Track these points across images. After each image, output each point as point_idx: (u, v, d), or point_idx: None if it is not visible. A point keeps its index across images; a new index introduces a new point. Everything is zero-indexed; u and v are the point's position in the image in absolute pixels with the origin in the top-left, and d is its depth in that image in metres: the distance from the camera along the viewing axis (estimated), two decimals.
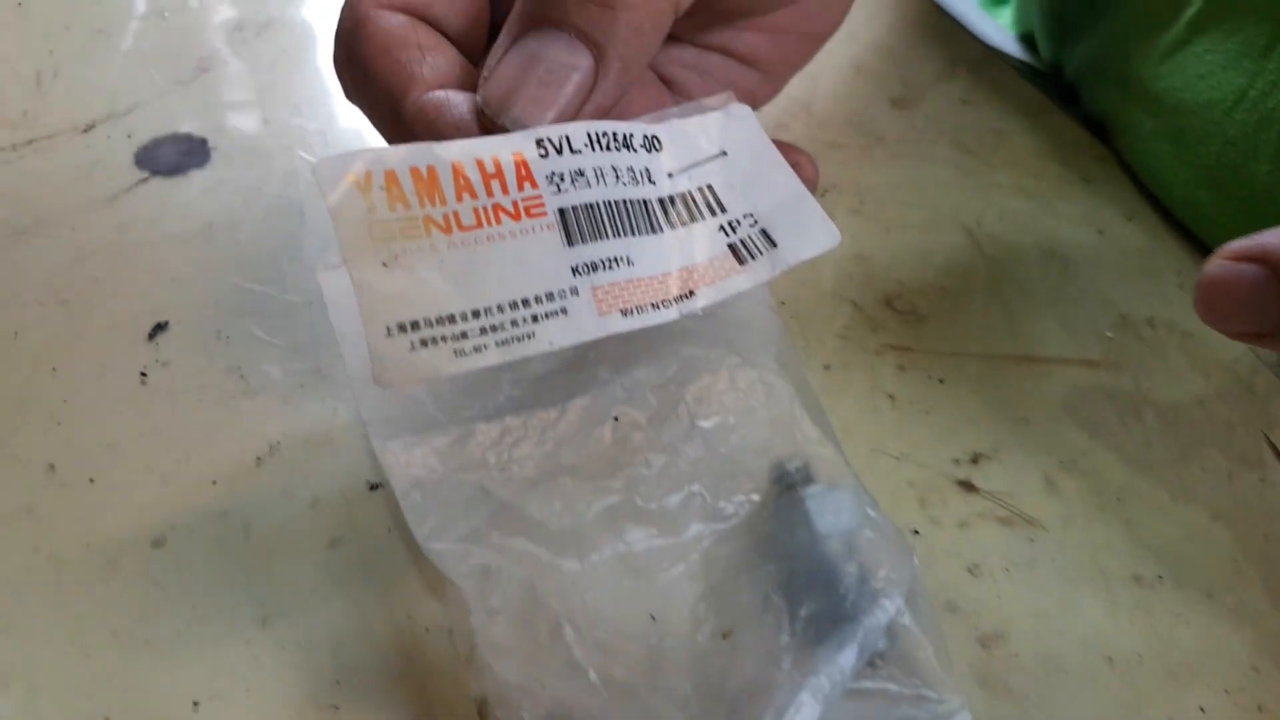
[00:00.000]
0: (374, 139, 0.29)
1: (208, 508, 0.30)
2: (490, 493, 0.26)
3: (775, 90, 0.39)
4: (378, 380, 0.22)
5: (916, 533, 0.32)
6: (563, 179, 0.25)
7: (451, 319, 0.23)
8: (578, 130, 0.26)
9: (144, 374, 0.32)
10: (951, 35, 0.51)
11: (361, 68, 0.28)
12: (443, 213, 0.24)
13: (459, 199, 0.24)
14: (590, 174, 0.25)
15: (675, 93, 0.36)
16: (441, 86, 0.27)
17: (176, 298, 0.34)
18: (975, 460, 0.33)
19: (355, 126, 0.40)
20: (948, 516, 0.32)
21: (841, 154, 0.44)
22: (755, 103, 0.39)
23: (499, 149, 0.25)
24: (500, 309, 0.24)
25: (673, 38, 0.35)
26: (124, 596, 0.28)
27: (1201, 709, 0.29)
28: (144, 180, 0.38)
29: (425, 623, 0.28)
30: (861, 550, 0.27)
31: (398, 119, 0.27)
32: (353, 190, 0.23)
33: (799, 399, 0.29)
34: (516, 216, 0.24)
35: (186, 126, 0.40)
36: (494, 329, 0.23)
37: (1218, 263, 0.27)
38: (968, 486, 0.33)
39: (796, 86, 0.43)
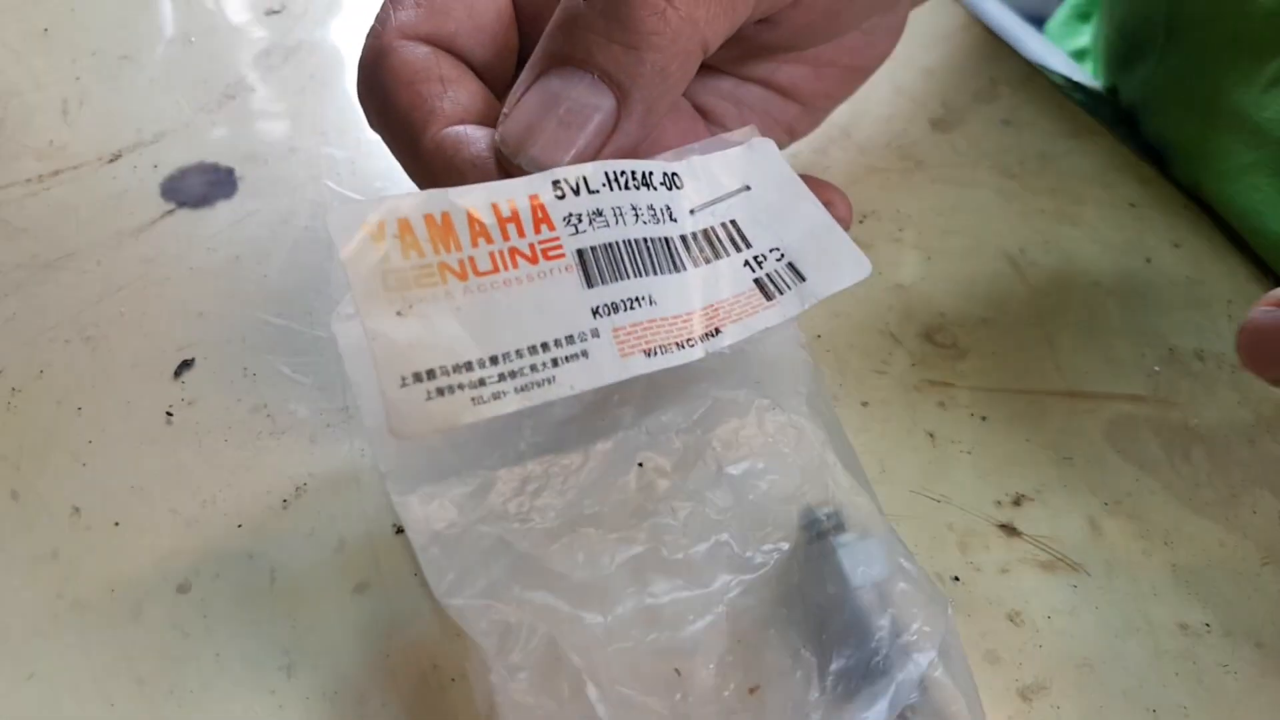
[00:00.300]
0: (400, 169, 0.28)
1: (233, 551, 0.29)
2: (510, 545, 0.25)
3: (815, 123, 0.39)
4: (393, 432, 0.21)
5: (956, 579, 0.31)
6: (580, 220, 0.25)
7: (469, 366, 0.23)
8: (595, 170, 0.25)
9: (170, 413, 0.32)
10: (993, 53, 0.50)
11: (382, 99, 0.27)
12: (458, 259, 0.23)
13: (474, 244, 0.23)
14: (609, 214, 0.25)
15: (711, 123, 0.36)
16: (462, 121, 0.26)
17: (203, 334, 0.34)
18: (1018, 502, 0.32)
19: (384, 154, 0.40)
20: (989, 562, 0.31)
21: (880, 179, 0.43)
22: (794, 135, 0.38)
23: (514, 192, 0.24)
24: (519, 354, 0.23)
25: (710, 68, 0.34)
26: (148, 643, 0.27)
27: None
28: (170, 212, 0.37)
29: (451, 672, 0.27)
30: (895, 602, 0.26)
31: (416, 153, 0.26)
32: (366, 240, 0.22)
33: (830, 443, 0.28)
34: (534, 260, 0.24)
35: (213, 156, 0.40)
36: (513, 375, 0.23)
37: (1262, 309, 0.26)
38: (1010, 530, 0.32)
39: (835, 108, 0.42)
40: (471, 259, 0.23)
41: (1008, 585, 0.31)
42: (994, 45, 0.51)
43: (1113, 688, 0.29)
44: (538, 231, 0.24)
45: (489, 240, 0.24)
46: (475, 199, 0.24)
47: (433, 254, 0.23)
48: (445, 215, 0.23)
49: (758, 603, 0.26)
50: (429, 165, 0.26)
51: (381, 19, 0.28)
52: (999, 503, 0.32)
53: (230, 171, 0.39)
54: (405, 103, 0.27)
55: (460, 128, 0.26)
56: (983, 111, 0.47)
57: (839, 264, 0.27)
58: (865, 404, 0.35)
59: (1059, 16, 0.65)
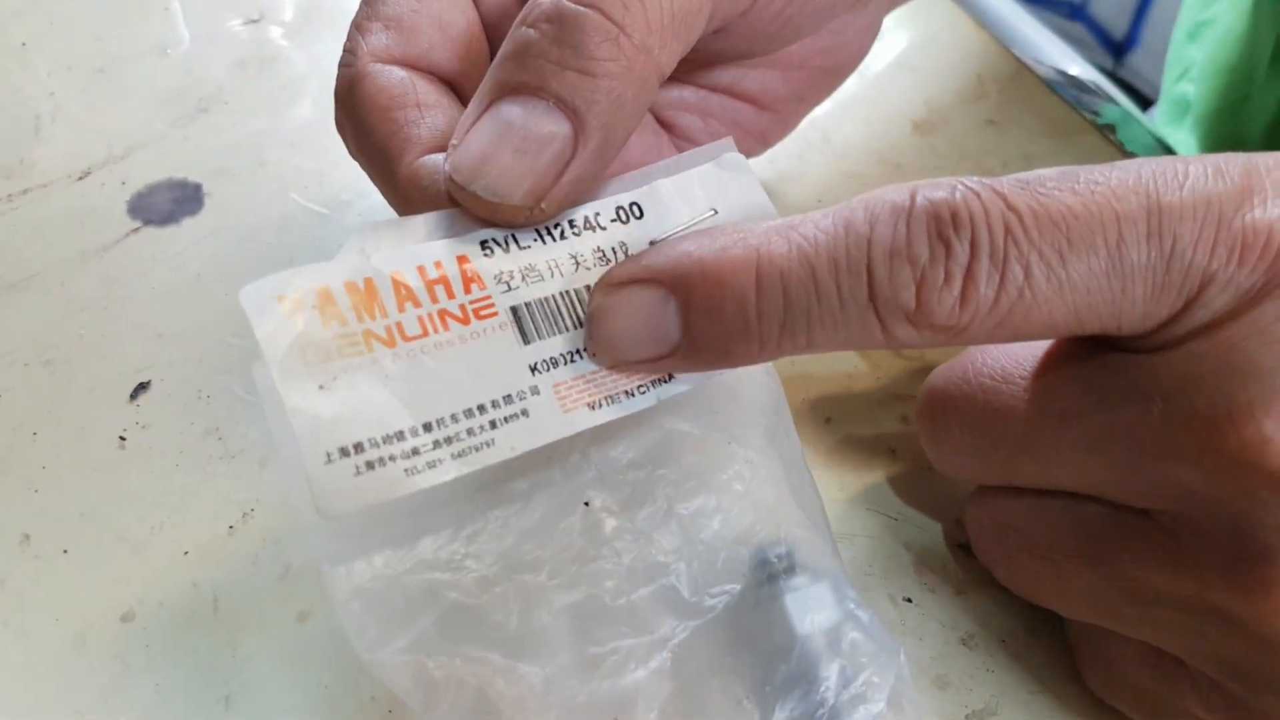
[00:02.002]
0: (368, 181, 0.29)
1: (178, 579, 0.29)
2: (440, 595, 0.24)
3: (788, 128, 0.38)
4: (320, 512, 0.21)
5: (909, 600, 0.30)
6: (512, 277, 0.24)
7: (400, 435, 0.22)
8: (524, 230, 0.25)
9: (123, 437, 0.32)
10: (982, 49, 0.49)
11: (359, 128, 0.27)
12: (385, 325, 0.23)
13: (401, 309, 0.23)
14: (543, 268, 0.25)
15: (676, 137, 0.35)
16: (439, 148, 0.26)
17: (161, 355, 0.34)
18: None
19: (351, 165, 0.40)
20: (944, 583, 0.31)
21: (857, 185, 0.42)
22: (767, 143, 0.38)
23: (441, 254, 0.24)
24: (454, 419, 0.23)
25: (671, 78, 0.34)
26: (90, 674, 0.28)
27: None
28: (136, 230, 0.37)
29: (389, 704, 0.27)
30: (844, 651, 0.25)
31: (393, 182, 0.26)
32: (282, 315, 0.22)
33: (787, 479, 0.27)
34: (465, 320, 0.24)
35: (182, 171, 0.40)
36: (449, 441, 0.23)
37: (600, 294, 0.25)
38: (968, 550, 0.31)
39: (814, 110, 0.42)
40: (399, 324, 0.23)
41: (963, 608, 0.30)
42: (982, 40, 0.49)
43: (1065, 713, 0.29)
44: (468, 292, 0.24)
45: (416, 304, 0.23)
46: (400, 263, 0.23)
47: (356, 322, 0.23)
48: (368, 281, 0.23)
49: (703, 649, 0.26)
50: (406, 194, 0.26)
51: (351, 47, 0.28)
52: (959, 522, 0.32)
53: (198, 187, 0.39)
54: (382, 131, 0.26)
55: (436, 156, 0.26)
56: (968, 111, 0.46)
57: None
58: (829, 420, 0.34)
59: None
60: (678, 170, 0.27)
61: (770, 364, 0.28)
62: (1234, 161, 0.22)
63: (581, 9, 0.24)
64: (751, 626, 0.26)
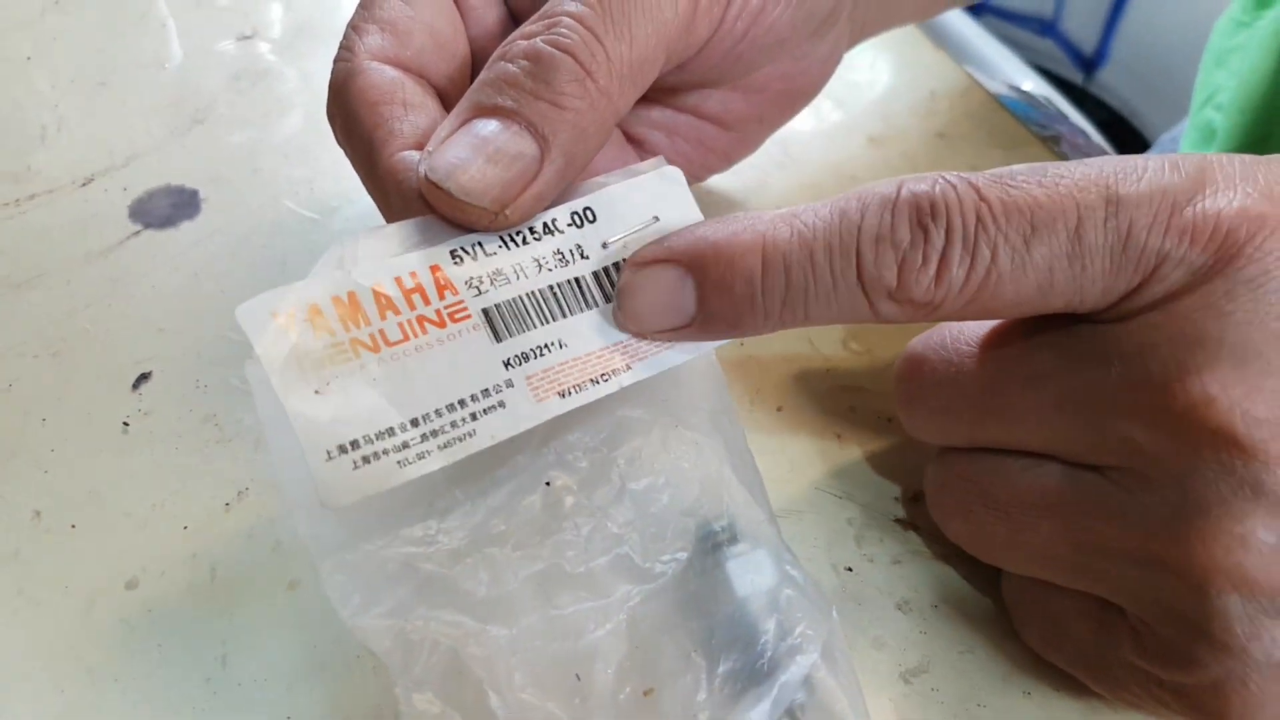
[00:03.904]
0: (356, 185, 0.31)
1: (178, 551, 0.32)
2: (416, 568, 0.27)
3: (752, 147, 0.41)
4: (324, 503, 0.24)
5: (850, 569, 0.33)
6: (481, 281, 0.27)
7: (390, 432, 0.25)
8: (489, 236, 0.27)
9: (126, 423, 0.34)
10: (936, 67, 0.52)
11: (348, 118, 0.30)
12: (369, 333, 0.25)
13: (383, 317, 0.26)
14: (509, 271, 0.27)
15: (644, 153, 0.38)
16: (418, 146, 0.29)
17: (161, 349, 0.37)
18: (916, 499, 0.35)
19: (340, 174, 0.42)
20: (883, 554, 0.33)
21: (813, 195, 0.45)
22: (730, 160, 0.40)
23: (415, 265, 0.26)
24: (438, 414, 0.25)
25: (640, 99, 0.36)
26: (98, 636, 0.30)
27: None
28: (136, 233, 0.40)
29: (373, 662, 0.30)
30: (781, 608, 0.28)
31: (374, 172, 0.29)
32: (277, 328, 0.24)
33: (729, 459, 0.30)
34: (441, 324, 0.26)
35: (180, 178, 0.42)
36: (435, 434, 0.25)
37: (629, 271, 0.28)
38: (906, 524, 0.34)
39: None
40: (382, 331, 0.26)
41: (899, 576, 0.33)
42: (934, 58, 0.52)
43: (993, 672, 0.31)
44: (442, 298, 0.26)
45: (396, 312, 0.26)
46: (378, 275, 0.26)
47: (343, 332, 0.25)
48: (351, 294, 0.25)
49: (656, 610, 0.28)
50: (383, 185, 0.29)
51: (349, 44, 0.30)
52: (897, 499, 0.35)
53: (195, 193, 0.42)
54: (369, 123, 0.29)
55: (415, 153, 0.28)
56: (920, 126, 0.49)
57: None
58: (780, 409, 0.37)
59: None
60: (622, 179, 0.30)
61: (714, 356, 0.31)
62: (1189, 159, 0.26)
63: (557, 52, 0.27)
64: (698, 590, 0.28)
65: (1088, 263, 0.25)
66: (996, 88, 0.53)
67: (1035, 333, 0.28)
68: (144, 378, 0.36)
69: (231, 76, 0.47)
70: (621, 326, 0.28)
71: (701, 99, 0.37)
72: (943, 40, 0.54)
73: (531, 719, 0.26)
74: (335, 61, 0.30)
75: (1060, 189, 0.25)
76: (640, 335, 0.28)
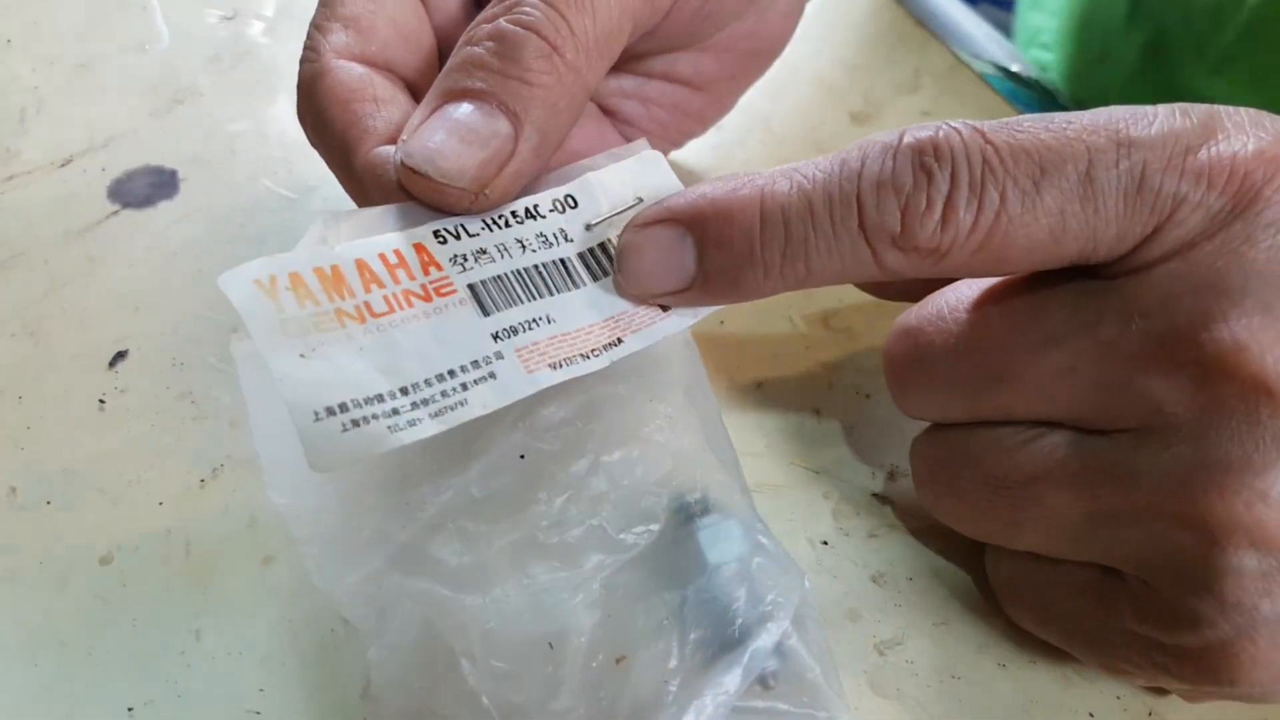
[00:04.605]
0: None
1: (153, 526, 0.32)
2: (390, 537, 0.27)
3: (726, 108, 0.40)
4: (313, 466, 0.23)
5: (825, 543, 0.33)
6: (466, 259, 0.27)
7: (380, 398, 0.24)
8: (471, 218, 0.27)
9: (102, 400, 0.34)
10: (919, 44, 0.52)
11: (319, 118, 0.30)
12: (354, 304, 0.25)
13: (367, 290, 0.25)
14: (493, 251, 0.27)
15: (619, 122, 0.38)
16: (393, 140, 0.28)
17: (138, 327, 0.37)
18: (892, 475, 0.35)
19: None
20: (858, 528, 0.33)
21: None
22: (706, 122, 0.40)
23: (398, 243, 0.26)
24: (428, 383, 0.25)
25: (611, 69, 0.36)
26: (72, 611, 0.30)
27: (1091, 714, 0.30)
28: (115, 213, 0.40)
29: (346, 634, 0.30)
30: (752, 577, 0.28)
31: (350, 170, 0.29)
32: (258, 294, 0.24)
33: (703, 432, 0.30)
34: (427, 298, 0.26)
35: (159, 159, 0.42)
36: (425, 402, 0.25)
37: (629, 233, 0.28)
38: (882, 499, 0.34)
39: (757, 101, 0.44)
40: (367, 303, 0.25)
41: (875, 549, 0.33)
42: (920, 36, 0.52)
43: (968, 644, 0.31)
44: (426, 274, 0.26)
45: (380, 285, 0.26)
46: (361, 251, 0.26)
47: (327, 302, 0.25)
48: (335, 268, 0.25)
49: (629, 580, 0.28)
50: (362, 182, 0.29)
51: (313, 44, 0.30)
52: (874, 474, 0.35)
53: (174, 173, 0.42)
54: (341, 121, 0.29)
55: (391, 148, 0.28)
56: (903, 104, 0.49)
57: None
58: (759, 385, 0.37)
59: None
60: (604, 165, 0.30)
61: (689, 335, 0.31)
62: (1198, 108, 0.25)
63: (521, 30, 0.27)
64: (671, 560, 0.28)
65: (1100, 205, 0.24)
66: (981, 67, 0.53)
67: (1044, 290, 0.27)
68: (121, 356, 0.36)
69: (212, 58, 0.47)
70: (622, 291, 0.28)
71: (671, 63, 0.37)
72: (929, 19, 0.54)
73: (504, 686, 0.26)
74: (301, 63, 0.30)
75: (1069, 133, 0.25)
76: (641, 300, 0.28)
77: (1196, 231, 0.24)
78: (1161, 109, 0.25)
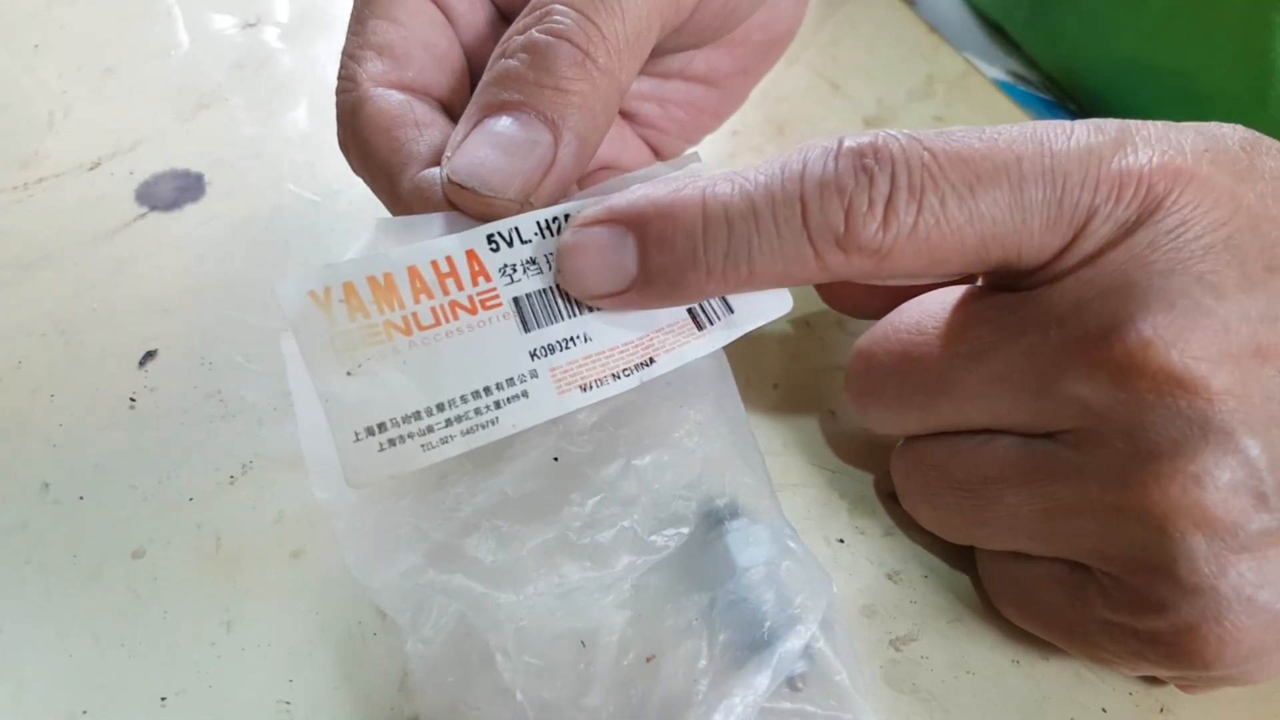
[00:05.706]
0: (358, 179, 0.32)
1: (183, 522, 0.32)
2: (428, 534, 0.27)
3: (739, 102, 0.41)
4: (349, 483, 0.24)
5: (842, 541, 0.34)
6: (515, 269, 0.27)
7: (417, 415, 0.25)
8: (527, 220, 0.28)
9: (133, 399, 0.35)
10: (932, 51, 0.53)
11: (362, 147, 0.30)
12: (402, 316, 0.26)
13: (416, 300, 0.26)
14: (542, 261, 0.28)
15: (637, 125, 0.39)
16: (437, 162, 0.29)
17: (167, 327, 0.37)
18: None
19: (341, 157, 0.43)
20: (874, 526, 0.34)
21: None
22: (720, 117, 0.41)
23: (452, 249, 0.27)
24: (464, 399, 0.26)
25: None
26: (105, 603, 0.31)
27: (1104, 710, 0.31)
28: (143, 215, 0.41)
29: (374, 628, 0.31)
30: (780, 580, 0.28)
31: (396, 195, 0.29)
32: (313, 307, 0.25)
33: (732, 438, 0.30)
34: (473, 311, 0.26)
35: (185, 162, 0.43)
36: (459, 420, 0.25)
37: (569, 232, 0.28)
38: (896, 498, 0.35)
39: (771, 107, 0.45)
40: (415, 315, 0.26)
41: (890, 547, 0.34)
42: (933, 43, 0.53)
43: (982, 640, 0.32)
44: (475, 284, 0.27)
45: (430, 296, 0.26)
46: (415, 258, 0.26)
47: (377, 314, 0.25)
48: (388, 276, 0.26)
49: (659, 581, 0.29)
50: (409, 205, 0.29)
51: (349, 74, 0.30)
52: (889, 473, 0.35)
53: (200, 177, 0.43)
54: (385, 149, 0.30)
55: (436, 170, 0.29)
56: (916, 109, 0.49)
57: (765, 299, 0.30)
58: (776, 386, 0.38)
59: None
60: (654, 175, 0.30)
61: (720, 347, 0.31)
62: (1111, 123, 0.26)
63: (553, 39, 0.28)
64: (700, 562, 0.29)
65: (1028, 216, 0.25)
66: (995, 73, 0.53)
67: (972, 307, 0.28)
68: (150, 355, 0.36)
69: (235, 64, 0.48)
70: (557, 290, 0.28)
71: (687, 61, 0.37)
72: (941, 26, 0.55)
73: (536, 682, 0.27)
74: (338, 93, 0.31)
75: (1000, 143, 0.26)
76: (582, 300, 0.28)
77: (1105, 241, 0.26)
78: (1077, 125, 0.26)
